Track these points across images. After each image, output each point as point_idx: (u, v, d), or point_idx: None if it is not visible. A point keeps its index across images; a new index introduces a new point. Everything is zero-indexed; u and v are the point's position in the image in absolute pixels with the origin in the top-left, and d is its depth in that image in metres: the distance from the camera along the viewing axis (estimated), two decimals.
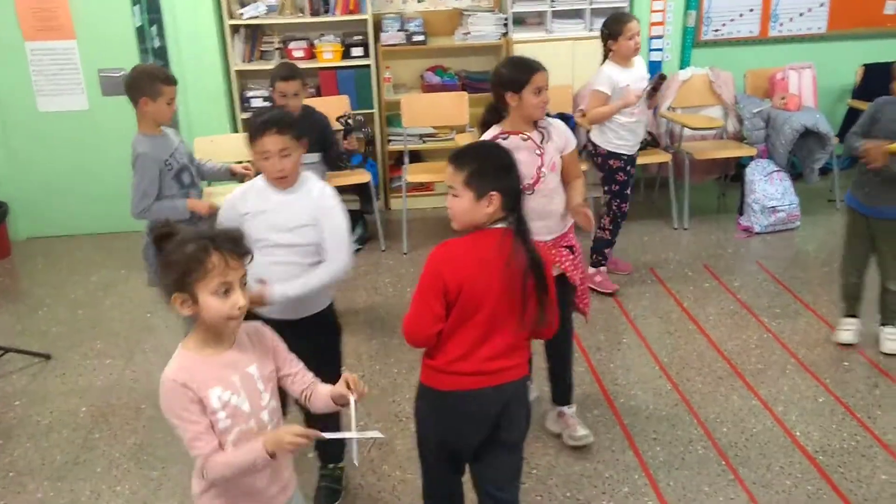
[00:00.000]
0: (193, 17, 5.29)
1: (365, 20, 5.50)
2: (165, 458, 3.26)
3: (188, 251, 1.77)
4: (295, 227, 2.58)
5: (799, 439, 3.21)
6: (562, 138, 3.00)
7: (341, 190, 5.24)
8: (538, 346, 2.97)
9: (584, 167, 3.81)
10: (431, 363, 2.23)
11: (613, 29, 4.19)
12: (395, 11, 5.79)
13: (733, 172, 5.78)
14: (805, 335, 3.98)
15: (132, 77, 3.36)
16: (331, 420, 2.33)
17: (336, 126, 4.49)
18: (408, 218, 5.32)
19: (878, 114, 3.53)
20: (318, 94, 5.56)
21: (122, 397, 3.67)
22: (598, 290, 4.45)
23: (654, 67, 5.76)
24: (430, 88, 5.70)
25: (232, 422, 1.85)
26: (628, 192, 4.47)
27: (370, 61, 5.54)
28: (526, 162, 2.75)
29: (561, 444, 3.22)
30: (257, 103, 5.57)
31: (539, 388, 3.43)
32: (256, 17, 5.44)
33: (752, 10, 5.88)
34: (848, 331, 3.85)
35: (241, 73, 5.56)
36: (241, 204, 2.63)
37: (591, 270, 4.50)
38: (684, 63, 5.82)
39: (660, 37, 5.75)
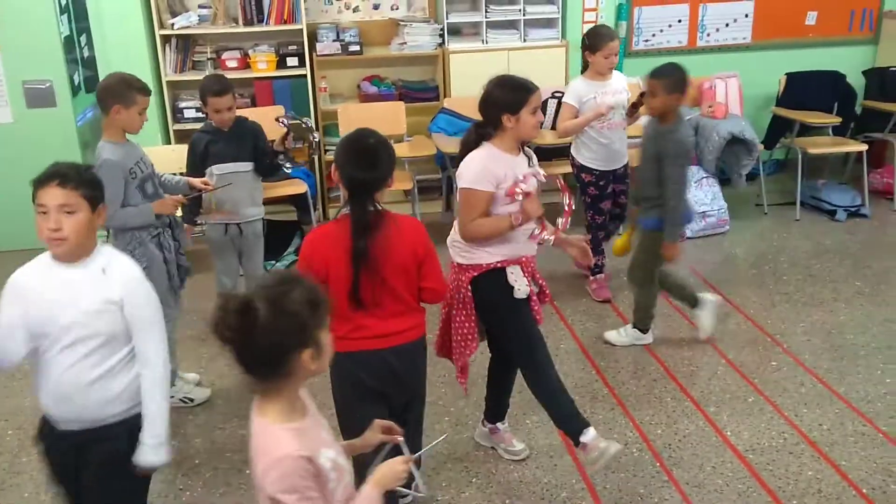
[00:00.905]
0: (123, 27, 5.19)
1: (300, 30, 5.46)
2: None
3: (304, 298, 1.59)
4: (80, 314, 2.09)
5: (730, 439, 3.31)
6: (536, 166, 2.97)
7: (278, 201, 5.30)
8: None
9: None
10: (336, 335, 2.33)
11: (593, 42, 4.24)
12: (331, 21, 5.77)
13: None
14: (734, 336, 4.10)
15: (107, 83, 3.30)
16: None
17: (276, 128, 4.38)
18: None
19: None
20: (253, 104, 5.50)
21: None
22: (593, 297, 4.55)
23: None
24: (367, 98, 5.70)
25: (337, 480, 1.70)
26: (602, 205, 4.48)
27: (306, 71, 5.51)
28: (530, 185, 2.80)
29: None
30: (190, 114, 5.48)
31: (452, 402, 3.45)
32: (188, 28, 5.36)
33: (680, 21, 6.04)
34: (621, 335, 4.08)
35: (172, 84, 5.47)
36: (22, 282, 2.15)
37: (590, 278, 4.60)
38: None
39: None
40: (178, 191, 3.59)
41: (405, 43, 5.66)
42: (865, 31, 6.25)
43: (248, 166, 3.84)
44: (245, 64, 5.49)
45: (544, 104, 5.60)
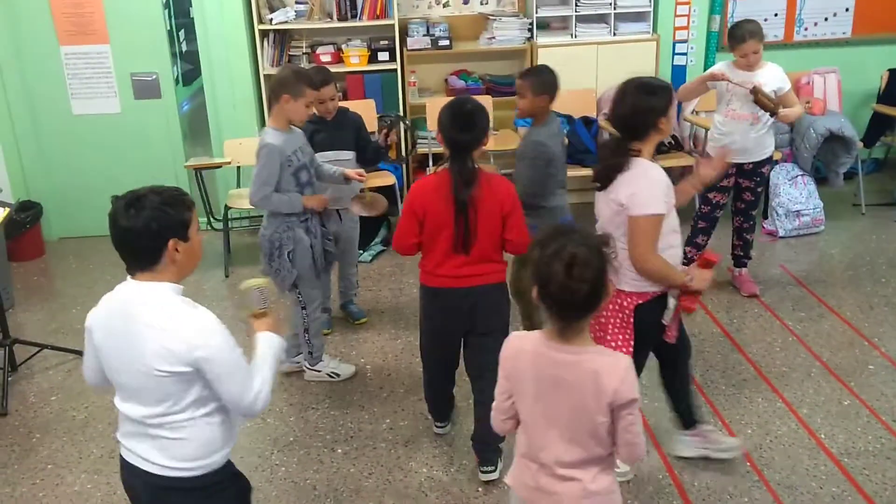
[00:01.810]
0: (223, 22, 5.38)
1: (391, 25, 5.56)
2: None
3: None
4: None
5: (824, 442, 3.23)
6: None
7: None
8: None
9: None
10: (421, 266, 2.98)
11: (730, 43, 4.22)
12: (421, 16, 5.85)
13: None
14: (829, 338, 4.00)
15: (281, 74, 3.51)
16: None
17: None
18: None
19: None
20: (345, 97, 5.63)
21: None
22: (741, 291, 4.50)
23: (678, 71, 5.80)
24: (454, 92, 5.76)
25: None
26: (710, 195, 4.38)
27: (396, 65, 5.61)
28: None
29: None
30: None
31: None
32: (285, 23, 5.52)
33: (776, 15, 5.88)
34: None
35: (269, 78, 5.64)
36: None
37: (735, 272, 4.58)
38: (709, 67, 5.81)
39: (684, 41, 5.77)
40: (333, 180, 3.74)
41: (493, 37, 5.69)
42: None
43: (350, 155, 3.97)
44: (338, 58, 5.62)
45: None
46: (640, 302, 2.74)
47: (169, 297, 1.95)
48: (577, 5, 5.62)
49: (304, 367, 3.81)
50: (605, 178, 2.68)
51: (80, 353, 4.10)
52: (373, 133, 4.62)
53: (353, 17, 5.58)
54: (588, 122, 5.55)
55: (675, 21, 5.71)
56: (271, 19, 5.50)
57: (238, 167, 5.32)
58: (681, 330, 2.96)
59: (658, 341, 2.87)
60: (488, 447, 3.10)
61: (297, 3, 5.60)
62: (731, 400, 3.54)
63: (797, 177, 5.28)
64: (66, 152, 5.53)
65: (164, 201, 1.94)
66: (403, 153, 5.70)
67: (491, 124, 5.49)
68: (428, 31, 5.70)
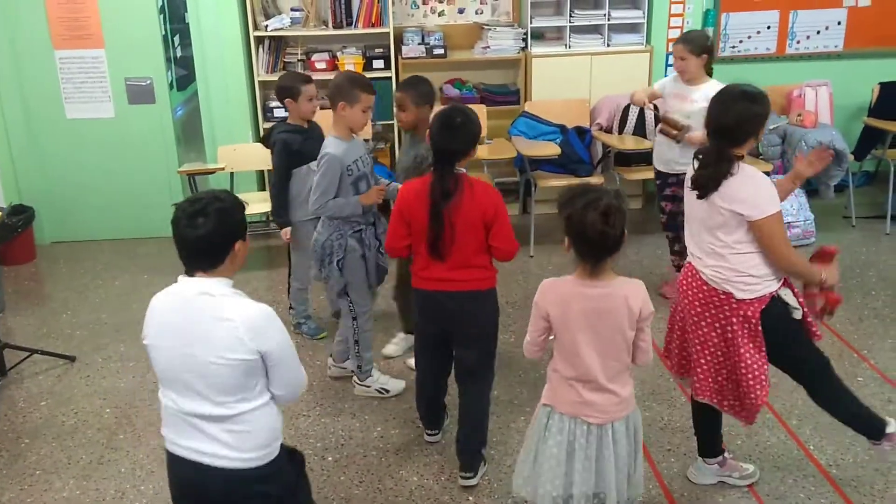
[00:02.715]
0: (218, 28, 5.39)
1: (387, 33, 5.59)
2: None
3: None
4: None
5: (812, 453, 3.25)
6: None
7: None
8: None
9: None
10: (411, 269, 3.04)
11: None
12: (416, 25, 5.88)
13: None
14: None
15: (336, 81, 3.46)
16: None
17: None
18: None
19: None
20: None
21: (145, 399, 3.75)
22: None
23: None
24: (448, 100, 5.77)
25: None
26: (662, 204, 4.53)
27: (391, 73, 5.62)
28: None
29: None
30: (280, 113, 5.66)
31: None
32: (281, 29, 5.54)
33: (769, 28, 5.93)
34: (396, 345, 4.09)
35: (263, 84, 5.66)
36: None
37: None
38: None
39: None
40: (392, 196, 3.64)
41: (488, 47, 5.72)
42: None
43: None
44: (333, 65, 5.64)
45: (626, 110, 5.58)
46: (762, 307, 2.72)
47: (229, 291, 2.10)
48: (571, 16, 5.65)
49: (354, 382, 3.77)
50: (710, 185, 2.67)
51: (70, 358, 4.12)
52: (367, 141, 4.64)
53: (349, 24, 5.60)
54: (581, 131, 5.58)
55: (668, 33, 5.75)
56: (266, 26, 5.51)
57: (232, 173, 5.32)
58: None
59: (804, 336, 2.84)
60: (472, 454, 3.10)
61: (292, 10, 5.62)
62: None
63: None
64: (60, 156, 5.52)
65: (227, 207, 2.09)
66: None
67: (484, 133, 5.57)
68: (423, 39, 5.72)
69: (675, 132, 4.09)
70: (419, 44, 5.69)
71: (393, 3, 5.58)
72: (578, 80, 5.72)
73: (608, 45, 5.70)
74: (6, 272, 5.17)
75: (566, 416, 2.44)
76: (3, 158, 5.43)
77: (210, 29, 5.39)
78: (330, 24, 5.61)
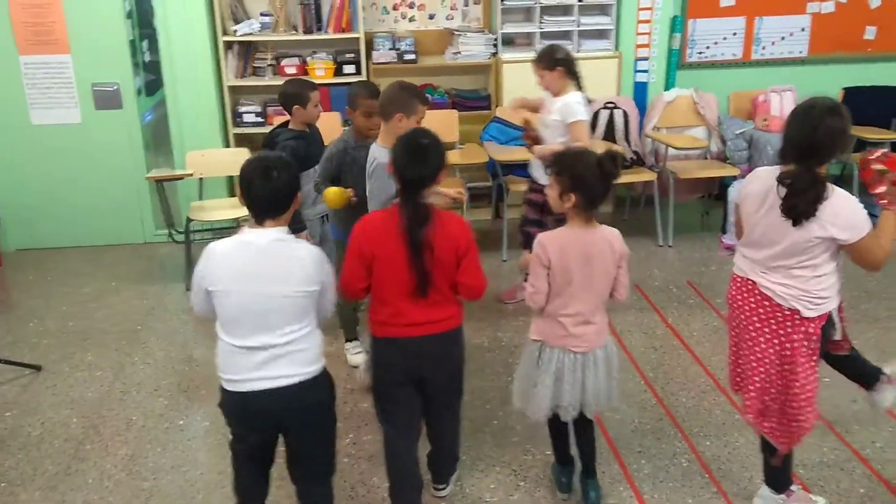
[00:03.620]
0: (186, 33, 5.34)
1: (357, 38, 5.58)
2: (156, 469, 3.29)
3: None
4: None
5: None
6: None
7: None
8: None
9: None
10: (372, 315, 2.75)
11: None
12: (387, 30, 5.88)
13: (717, 192, 5.90)
14: None
15: (390, 92, 3.35)
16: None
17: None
18: None
19: None
20: None
21: (112, 409, 3.69)
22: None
23: (639, 88, 5.90)
24: None
25: None
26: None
27: (362, 78, 5.61)
28: None
29: (549, 457, 3.27)
30: (249, 118, 5.63)
31: None
32: (250, 34, 5.51)
33: (735, 34, 6.02)
34: (358, 353, 4.05)
35: (233, 89, 5.62)
36: None
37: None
38: (669, 84, 5.94)
39: (645, 59, 5.86)
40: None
41: (459, 52, 5.74)
42: None
43: None
44: (303, 71, 5.62)
45: (596, 115, 5.63)
46: (823, 323, 2.66)
47: (291, 237, 2.46)
48: (541, 22, 5.69)
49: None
50: (810, 212, 2.50)
51: (36, 368, 4.05)
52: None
53: (319, 29, 5.59)
54: None
55: (636, 39, 5.81)
56: (235, 31, 5.48)
57: (200, 179, 5.27)
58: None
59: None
60: (447, 469, 3.09)
61: (262, 15, 5.60)
62: (690, 412, 3.59)
63: None
64: (25, 163, 5.43)
65: (290, 164, 2.48)
66: None
67: (456, 138, 5.59)
68: (394, 45, 5.73)
69: (530, 144, 4.10)
70: (390, 49, 5.69)
71: (364, 8, 5.57)
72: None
73: (578, 52, 5.73)
74: None
75: (556, 349, 2.78)
76: None
77: (178, 34, 5.34)
78: (300, 29, 5.59)
